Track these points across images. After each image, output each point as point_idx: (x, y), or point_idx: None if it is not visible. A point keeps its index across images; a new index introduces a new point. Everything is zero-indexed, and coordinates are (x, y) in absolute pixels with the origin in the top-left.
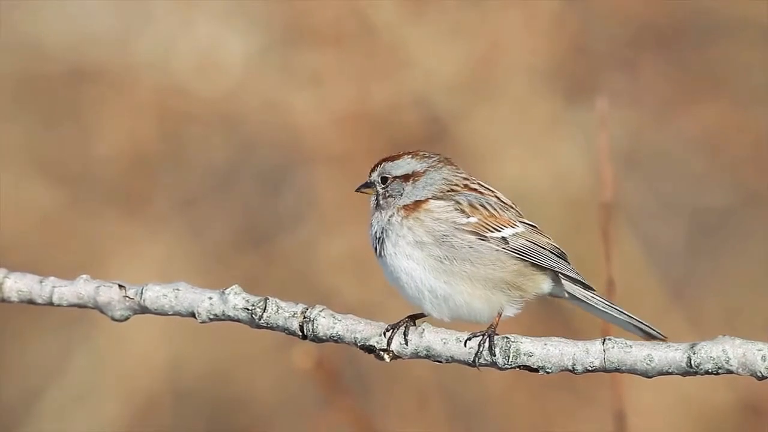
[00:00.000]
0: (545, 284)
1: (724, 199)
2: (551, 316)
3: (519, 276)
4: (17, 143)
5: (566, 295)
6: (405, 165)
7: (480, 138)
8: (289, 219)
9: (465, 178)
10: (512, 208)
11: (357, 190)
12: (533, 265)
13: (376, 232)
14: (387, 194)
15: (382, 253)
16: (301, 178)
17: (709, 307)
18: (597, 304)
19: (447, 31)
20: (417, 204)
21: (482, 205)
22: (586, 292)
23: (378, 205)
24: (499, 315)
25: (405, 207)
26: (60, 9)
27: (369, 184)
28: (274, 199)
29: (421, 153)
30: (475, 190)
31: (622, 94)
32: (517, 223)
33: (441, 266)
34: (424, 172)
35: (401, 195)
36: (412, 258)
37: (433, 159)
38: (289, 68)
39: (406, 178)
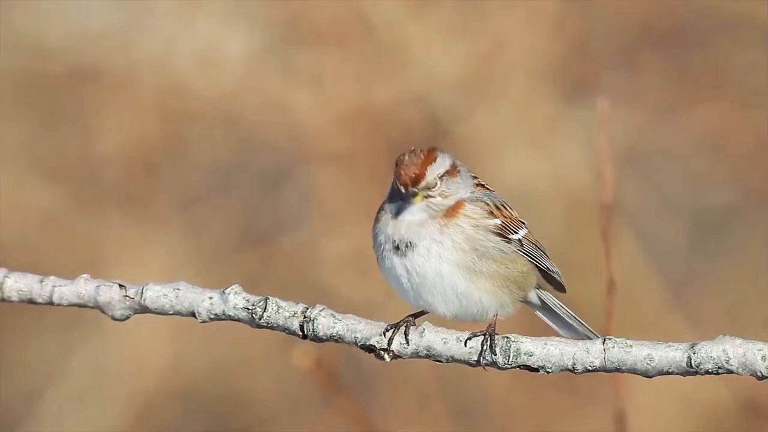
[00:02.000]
0: (534, 284)
1: (725, 198)
2: None
3: (525, 276)
4: (17, 143)
5: (537, 302)
6: (443, 161)
7: (481, 137)
8: (290, 218)
9: (473, 175)
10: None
11: (408, 199)
12: (534, 265)
13: (403, 234)
14: (445, 194)
15: (409, 255)
16: (302, 177)
17: (710, 306)
18: (565, 314)
19: (448, 31)
20: (455, 207)
21: (503, 206)
22: (556, 300)
23: (412, 207)
24: (496, 315)
25: (445, 211)
26: (60, 8)
27: (416, 193)
28: (274, 199)
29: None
30: (484, 187)
31: (622, 93)
32: (522, 224)
33: (472, 266)
34: (458, 166)
35: (457, 192)
36: (449, 261)
37: (447, 152)
38: (290, 67)
39: (450, 173)
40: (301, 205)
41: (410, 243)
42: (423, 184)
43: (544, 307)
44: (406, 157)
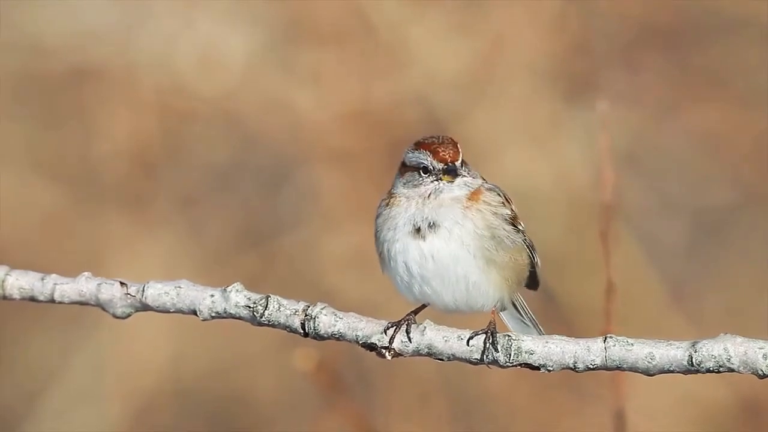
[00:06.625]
0: (524, 280)
1: (726, 198)
2: (551, 315)
3: (524, 270)
4: (18, 143)
5: (509, 303)
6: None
7: (481, 137)
8: (291, 217)
9: None
10: None
11: (452, 175)
12: (529, 261)
13: (427, 214)
14: (473, 176)
15: (429, 237)
16: (303, 176)
17: (710, 305)
18: (525, 317)
19: (448, 30)
20: (475, 193)
21: (509, 198)
22: (523, 300)
23: (440, 188)
24: (494, 312)
25: (467, 195)
26: (60, 8)
27: (456, 169)
28: (275, 197)
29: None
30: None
31: (623, 93)
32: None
33: (488, 255)
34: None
35: (477, 177)
36: (467, 247)
37: None
38: (291, 66)
39: (466, 162)
40: (301, 204)
41: (434, 223)
42: (460, 160)
43: (514, 307)
44: (435, 140)
